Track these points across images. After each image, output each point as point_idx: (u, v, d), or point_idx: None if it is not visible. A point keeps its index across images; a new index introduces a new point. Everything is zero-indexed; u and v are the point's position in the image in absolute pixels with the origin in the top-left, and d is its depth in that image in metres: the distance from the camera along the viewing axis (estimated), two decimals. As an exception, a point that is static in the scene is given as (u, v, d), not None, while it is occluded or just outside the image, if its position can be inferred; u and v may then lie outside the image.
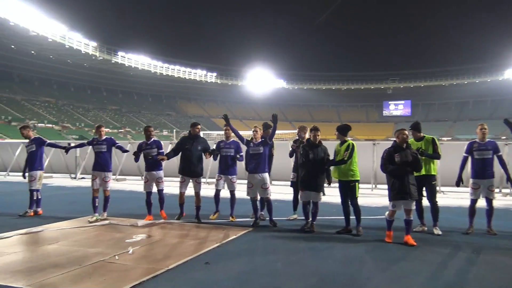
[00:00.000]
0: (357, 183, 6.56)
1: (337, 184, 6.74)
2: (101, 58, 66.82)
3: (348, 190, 6.53)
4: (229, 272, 4.56)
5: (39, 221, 7.52)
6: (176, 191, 7.87)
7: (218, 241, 5.91)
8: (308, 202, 6.76)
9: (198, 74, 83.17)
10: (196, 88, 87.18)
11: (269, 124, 7.87)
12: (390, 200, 6.11)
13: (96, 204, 7.74)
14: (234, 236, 6.22)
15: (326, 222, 7.18)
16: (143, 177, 8.15)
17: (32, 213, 8.15)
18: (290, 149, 7.80)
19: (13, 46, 60.25)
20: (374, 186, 12.16)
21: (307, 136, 7.66)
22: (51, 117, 62.35)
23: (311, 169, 6.65)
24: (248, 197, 7.33)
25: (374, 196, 10.75)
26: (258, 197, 7.31)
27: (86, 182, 8.70)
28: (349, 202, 6.58)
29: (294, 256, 5.30)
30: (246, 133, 7.76)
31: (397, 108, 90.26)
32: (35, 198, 8.27)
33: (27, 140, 8.63)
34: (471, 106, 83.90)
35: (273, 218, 7.21)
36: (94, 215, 7.63)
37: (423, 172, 6.68)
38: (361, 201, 6.64)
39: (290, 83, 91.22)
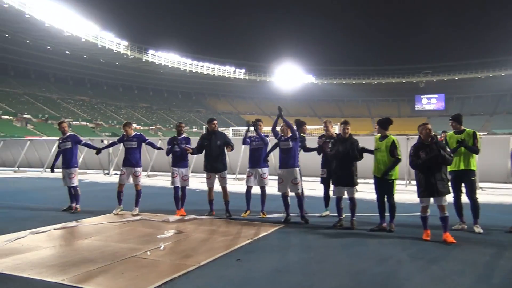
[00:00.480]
0: (395, 181, 6.34)
1: (367, 180, 6.56)
2: (132, 56, 68.06)
3: (386, 187, 6.31)
4: (261, 269, 4.46)
5: (73, 216, 7.66)
6: (205, 187, 7.87)
7: (249, 237, 5.83)
8: (341, 198, 6.59)
9: (227, 71, 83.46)
10: (225, 84, 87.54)
11: (301, 121, 7.76)
12: (418, 197, 5.89)
13: (121, 197, 7.95)
14: (266, 233, 6.13)
15: (359, 219, 6.97)
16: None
17: (76, 207, 8.25)
18: (317, 145, 7.64)
19: (48, 47, 62.23)
20: (408, 182, 11.79)
21: (332, 130, 7.51)
22: (85, 115, 64.17)
23: (342, 163, 6.48)
24: (279, 193, 7.21)
25: (408, 192, 10.39)
26: (290, 193, 7.18)
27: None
28: (385, 199, 6.36)
29: (328, 254, 5.15)
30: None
31: (430, 102, 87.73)
32: (73, 193, 8.40)
33: (61, 136, 8.75)
34: (509, 98, 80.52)
35: (305, 215, 7.06)
36: (119, 207, 7.88)
37: (462, 166, 6.39)
38: (395, 197, 6.39)
39: (319, 78, 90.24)
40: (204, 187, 8.00)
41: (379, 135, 6.48)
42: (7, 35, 57.06)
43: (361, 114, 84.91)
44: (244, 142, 7.77)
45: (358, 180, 6.73)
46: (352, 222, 6.49)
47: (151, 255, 4.90)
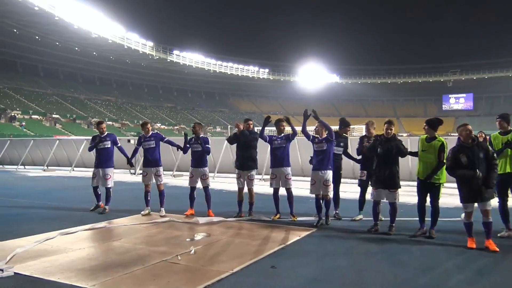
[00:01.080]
0: (442, 184, 5.99)
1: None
2: (157, 57, 68.77)
3: (431, 191, 5.95)
4: (299, 278, 4.20)
5: (102, 217, 7.59)
6: (231, 188, 7.76)
7: (281, 242, 5.59)
8: (379, 202, 6.27)
9: (251, 71, 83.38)
10: (249, 84, 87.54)
11: (347, 121, 7.48)
12: (461, 202, 5.51)
13: (148, 198, 7.88)
14: (298, 237, 5.87)
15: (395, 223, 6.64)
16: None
17: (104, 208, 8.10)
18: (357, 146, 7.35)
19: (76, 48, 63.64)
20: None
21: (374, 131, 7.20)
22: (111, 115, 65.23)
23: (384, 164, 6.15)
24: (312, 195, 7.01)
25: (444, 195, 9.89)
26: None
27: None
28: (429, 203, 6.02)
29: (367, 261, 4.85)
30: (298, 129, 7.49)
31: (458, 102, 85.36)
32: (106, 194, 8.22)
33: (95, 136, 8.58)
34: (541, 99, 77.61)
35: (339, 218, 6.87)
36: (147, 208, 7.81)
37: (508, 169, 5.99)
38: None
39: (344, 77, 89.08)
40: (230, 187, 7.82)
41: (425, 135, 6.11)
42: (37, 37, 58.63)
43: (386, 114, 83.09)
44: (261, 135, 7.47)
45: None
46: (391, 227, 6.15)
47: (182, 259, 4.71)
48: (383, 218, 6.68)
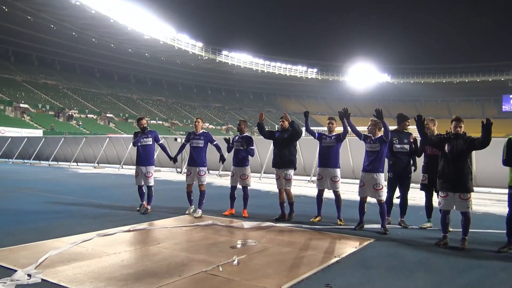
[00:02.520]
0: None
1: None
2: (206, 57, 69.61)
3: None
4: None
5: (144, 217, 7.27)
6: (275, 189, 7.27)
7: (336, 253, 4.92)
8: (449, 212, 5.42)
9: (299, 71, 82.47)
10: (296, 84, 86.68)
11: (404, 115, 6.75)
12: None
13: (191, 197, 7.74)
14: (354, 248, 5.17)
15: (472, 235, 5.77)
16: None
17: (146, 207, 7.80)
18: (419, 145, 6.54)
19: (130, 50, 65.71)
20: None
21: (434, 128, 6.40)
22: (161, 115, 66.82)
23: (452, 166, 5.31)
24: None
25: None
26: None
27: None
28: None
29: (443, 282, 4.07)
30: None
31: (517, 102, 79.77)
32: (147, 193, 7.95)
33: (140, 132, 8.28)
34: None
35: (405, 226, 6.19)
36: (191, 207, 7.71)
37: None
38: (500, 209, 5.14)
39: (395, 77, 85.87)
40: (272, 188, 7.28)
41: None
42: (93, 40, 61.15)
43: (440, 115, 78.97)
44: (307, 129, 7.17)
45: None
46: (464, 241, 5.30)
47: (223, 271, 4.18)
48: (451, 229, 5.88)
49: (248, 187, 7.61)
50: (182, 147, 8.16)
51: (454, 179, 5.26)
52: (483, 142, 5.16)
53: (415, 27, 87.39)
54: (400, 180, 6.59)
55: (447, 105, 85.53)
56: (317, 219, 6.97)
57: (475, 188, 5.45)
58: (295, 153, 7.25)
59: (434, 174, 5.90)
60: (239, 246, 5.28)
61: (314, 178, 13.85)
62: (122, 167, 19.28)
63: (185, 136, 8.82)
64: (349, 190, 10.48)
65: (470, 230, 5.38)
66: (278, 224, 6.60)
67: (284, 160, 7.13)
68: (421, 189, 6.53)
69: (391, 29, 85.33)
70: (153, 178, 8.05)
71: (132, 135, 8.51)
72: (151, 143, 8.08)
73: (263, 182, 13.87)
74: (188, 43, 65.32)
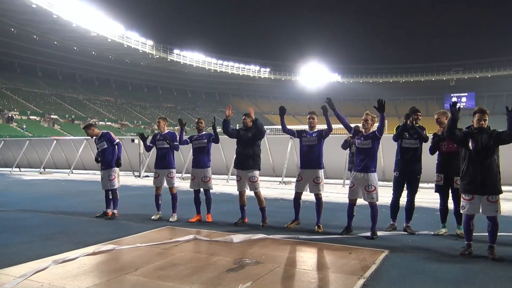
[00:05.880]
0: None
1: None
2: (157, 56, 67.43)
3: None
4: None
5: (108, 231, 6.13)
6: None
7: (358, 273, 4.08)
8: (473, 217, 4.77)
9: (252, 70, 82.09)
10: (249, 84, 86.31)
11: (416, 109, 6.14)
12: None
13: (160, 202, 7.29)
14: (375, 265, 4.34)
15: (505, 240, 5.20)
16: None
17: (112, 213, 7.38)
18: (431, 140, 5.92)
19: (75, 48, 62.24)
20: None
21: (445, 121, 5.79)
22: (110, 116, 63.82)
23: (478, 165, 4.65)
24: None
25: None
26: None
27: (151, 181, 7.87)
28: None
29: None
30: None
31: (460, 101, 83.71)
32: (110, 197, 7.51)
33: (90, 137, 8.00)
34: (543, 96, 76.27)
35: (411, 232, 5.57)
36: (158, 213, 7.24)
37: None
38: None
39: (345, 76, 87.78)
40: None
41: None
42: (35, 36, 57.19)
43: (387, 114, 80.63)
44: (284, 129, 6.60)
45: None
46: (492, 250, 4.64)
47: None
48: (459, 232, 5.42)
49: (211, 190, 7.09)
50: (149, 148, 7.67)
51: (481, 179, 4.60)
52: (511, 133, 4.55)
53: (364, 28, 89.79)
54: (407, 181, 5.94)
55: (394, 104, 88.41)
56: (294, 224, 6.38)
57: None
58: (259, 153, 6.69)
59: (450, 173, 5.30)
60: (237, 267, 4.30)
61: (287, 179, 13.38)
62: (72, 172, 17.57)
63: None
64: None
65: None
66: (271, 236, 5.70)
67: (248, 160, 6.56)
68: (436, 190, 5.88)
69: (341, 30, 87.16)
70: (117, 181, 7.56)
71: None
72: (106, 146, 7.57)
73: (231, 185, 12.93)
74: (138, 41, 62.75)
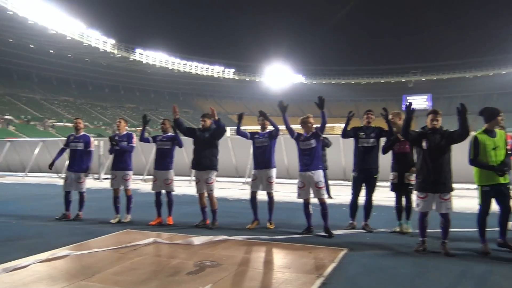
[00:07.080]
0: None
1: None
2: (119, 55, 65.91)
3: (501, 195, 4.73)
4: None
5: (65, 236, 5.91)
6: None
7: (316, 271, 4.15)
8: (427, 213, 4.95)
9: (216, 71, 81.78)
10: (213, 84, 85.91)
11: (369, 109, 6.33)
12: None
13: (118, 205, 7.19)
14: (334, 263, 4.41)
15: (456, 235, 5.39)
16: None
17: (77, 214, 7.44)
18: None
19: (32, 46, 59.81)
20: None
21: (400, 122, 6.00)
22: (69, 116, 61.63)
23: (432, 164, 4.83)
24: (300, 200, 6.09)
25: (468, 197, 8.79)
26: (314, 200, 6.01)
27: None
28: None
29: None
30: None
31: (417, 102, 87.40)
32: (71, 199, 7.53)
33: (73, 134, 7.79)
34: (496, 98, 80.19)
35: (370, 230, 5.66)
36: (117, 216, 7.11)
37: None
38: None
39: (309, 78, 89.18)
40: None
41: (483, 133, 4.90)
42: (-14, 33, 54.43)
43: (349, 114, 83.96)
44: (238, 132, 6.68)
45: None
46: (445, 245, 4.84)
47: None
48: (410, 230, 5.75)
49: (173, 192, 7.05)
50: (111, 151, 7.45)
51: (434, 178, 4.79)
52: (462, 133, 4.78)
53: (328, 30, 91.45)
54: (365, 180, 6.09)
55: (355, 105, 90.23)
56: (254, 224, 6.47)
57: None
58: (216, 154, 6.72)
59: (403, 171, 5.55)
60: (198, 269, 4.27)
61: (249, 180, 13.40)
62: (27, 175, 16.84)
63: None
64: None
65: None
66: (232, 238, 5.68)
67: (205, 161, 6.59)
68: (392, 189, 6.04)
69: (305, 32, 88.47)
70: (85, 184, 7.61)
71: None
72: (82, 148, 7.56)
73: (193, 186, 12.79)
74: (99, 40, 61.01)
